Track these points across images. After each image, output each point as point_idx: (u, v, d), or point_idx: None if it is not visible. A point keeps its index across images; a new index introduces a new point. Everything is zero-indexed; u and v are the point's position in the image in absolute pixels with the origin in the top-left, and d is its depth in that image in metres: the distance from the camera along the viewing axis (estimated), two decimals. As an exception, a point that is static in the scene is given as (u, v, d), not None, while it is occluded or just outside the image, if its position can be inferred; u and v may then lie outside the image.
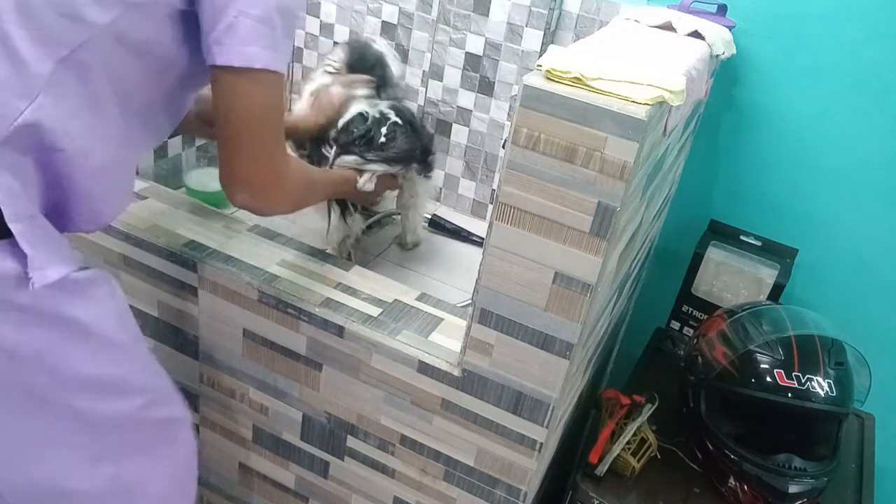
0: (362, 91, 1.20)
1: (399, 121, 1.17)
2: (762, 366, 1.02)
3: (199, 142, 1.44)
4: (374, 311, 0.99)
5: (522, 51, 1.33)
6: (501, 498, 0.99)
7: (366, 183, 1.13)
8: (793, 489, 0.98)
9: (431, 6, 1.37)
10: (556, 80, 0.73)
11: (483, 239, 1.20)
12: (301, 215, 1.33)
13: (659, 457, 1.10)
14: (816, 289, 1.35)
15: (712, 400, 1.07)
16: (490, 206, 1.42)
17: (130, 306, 1.12)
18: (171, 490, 0.96)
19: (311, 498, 1.16)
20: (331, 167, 1.13)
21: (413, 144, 1.19)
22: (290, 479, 1.15)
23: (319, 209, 1.20)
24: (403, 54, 1.43)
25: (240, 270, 1.01)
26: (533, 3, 1.28)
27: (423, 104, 1.45)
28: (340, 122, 1.15)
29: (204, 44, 0.79)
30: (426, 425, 0.98)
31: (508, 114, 1.38)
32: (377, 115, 1.16)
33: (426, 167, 1.26)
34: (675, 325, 1.39)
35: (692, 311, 1.36)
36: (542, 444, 0.92)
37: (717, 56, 1.08)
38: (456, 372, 0.92)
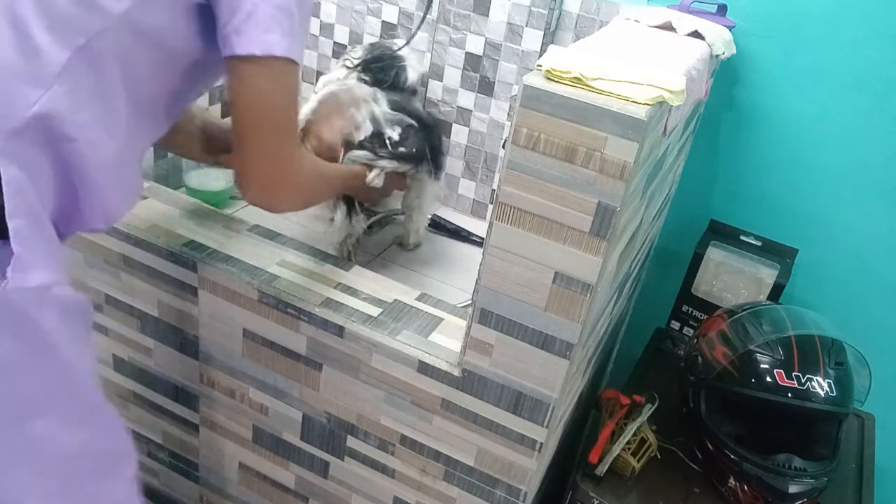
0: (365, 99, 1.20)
1: (414, 122, 1.17)
2: (762, 366, 1.02)
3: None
4: (374, 311, 0.99)
5: (522, 51, 1.33)
6: (501, 498, 0.99)
7: (374, 178, 1.12)
8: (793, 489, 0.98)
9: (431, 6, 1.37)
10: (556, 80, 0.73)
11: (483, 239, 1.20)
12: (301, 213, 1.33)
13: (659, 457, 1.10)
14: (816, 289, 1.35)
15: (712, 400, 1.07)
16: (490, 206, 1.42)
17: (131, 306, 1.14)
18: None
19: (311, 498, 1.16)
20: (341, 161, 1.12)
21: (425, 144, 1.19)
22: (290, 479, 1.15)
23: (324, 206, 1.20)
24: (403, 54, 1.43)
25: (240, 270, 1.01)
26: (533, 3, 1.28)
27: (423, 104, 1.45)
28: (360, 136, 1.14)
29: (221, 35, 0.77)
30: (426, 425, 0.98)
31: (508, 114, 1.38)
32: (390, 116, 1.16)
33: (436, 168, 1.26)
34: (675, 325, 1.39)
35: (692, 311, 1.36)
36: (542, 444, 0.92)
37: (717, 56, 1.08)
38: (456, 372, 0.92)
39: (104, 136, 0.77)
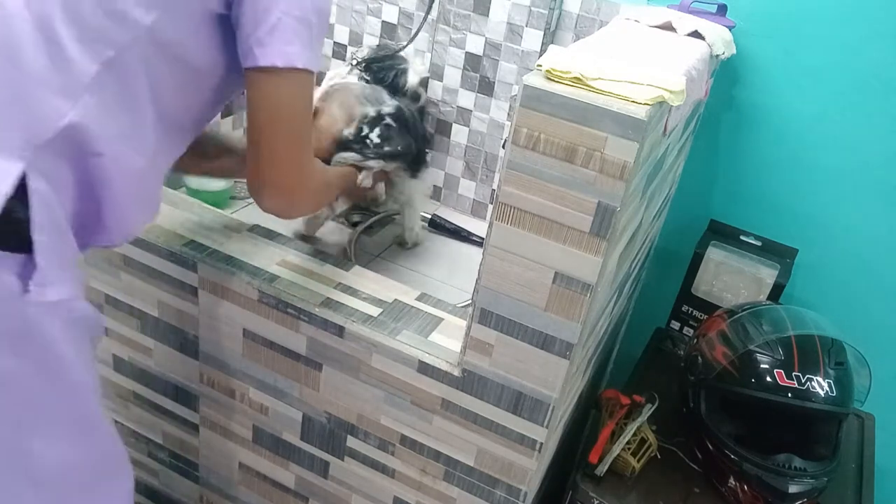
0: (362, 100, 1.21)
1: (393, 123, 1.19)
2: (762, 366, 1.02)
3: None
4: (374, 311, 0.99)
5: (522, 51, 1.33)
6: (501, 498, 0.99)
7: (364, 179, 1.14)
8: (793, 489, 0.98)
9: (432, 6, 1.37)
10: (556, 80, 0.73)
11: (483, 239, 1.20)
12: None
13: (659, 457, 1.10)
14: (816, 289, 1.35)
15: (712, 400, 1.07)
16: (490, 206, 1.42)
17: (131, 306, 1.14)
18: None
19: (311, 498, 1.16)
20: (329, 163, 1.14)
21: (406, 143, 1.20)
22: (290, 478, 1.15)
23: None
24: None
25: (240, 270, 1.01)
26: (533, 3, 1.28)
27: (423, 104, 1.45)
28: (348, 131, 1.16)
29: (243, 47, 0.78)
30: (426, 425, 0.98)
31: (508, 114, 1.38)
32: (374, 115, 1.17)
33: (415, 168, 1.27)
34: (675, 325, 1.39)
35: (692, 311, 1.36)
36: (542, 444, 0.92)
37: (717, 56, 1.08)
38: (456, 372, 0.92)
39: (130, 152, 0.77)
